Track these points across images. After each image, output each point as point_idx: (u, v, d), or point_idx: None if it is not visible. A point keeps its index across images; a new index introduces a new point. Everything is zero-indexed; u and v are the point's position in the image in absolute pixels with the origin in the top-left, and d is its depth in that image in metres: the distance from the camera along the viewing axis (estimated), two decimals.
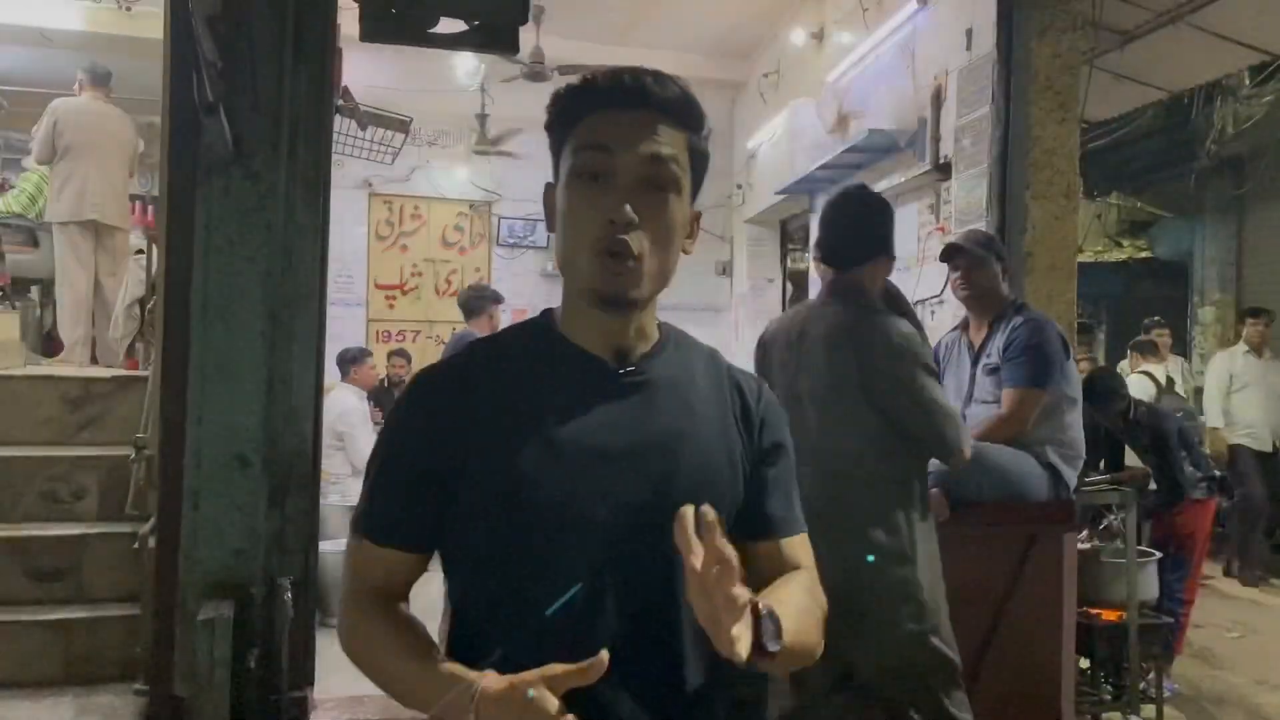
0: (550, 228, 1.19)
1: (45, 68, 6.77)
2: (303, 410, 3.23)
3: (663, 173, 1.13)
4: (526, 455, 1.11)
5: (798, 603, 1.15)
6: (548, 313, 1.24)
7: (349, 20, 3.20)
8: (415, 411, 1.19)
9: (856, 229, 2.84)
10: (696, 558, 0.94)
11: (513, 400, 1.15)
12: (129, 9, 6.34)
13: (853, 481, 2.56)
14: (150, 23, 5.87)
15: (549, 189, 1.20)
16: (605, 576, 1.11)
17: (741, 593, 0.97)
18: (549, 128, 1.20)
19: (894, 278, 4.33)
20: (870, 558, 2.50)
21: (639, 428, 1.15)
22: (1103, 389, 4.56)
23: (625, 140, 1.12)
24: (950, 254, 3.45)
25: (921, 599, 2.54)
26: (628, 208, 1.10)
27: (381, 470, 1.19)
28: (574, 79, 1.18)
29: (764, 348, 2.92)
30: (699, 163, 1.20)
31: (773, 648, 1.01)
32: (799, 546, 1.26)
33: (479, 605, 1.16)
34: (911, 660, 2.56)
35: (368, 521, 1.18)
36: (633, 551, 1.11)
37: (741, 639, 0.96)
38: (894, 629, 2.53)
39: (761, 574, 1.19)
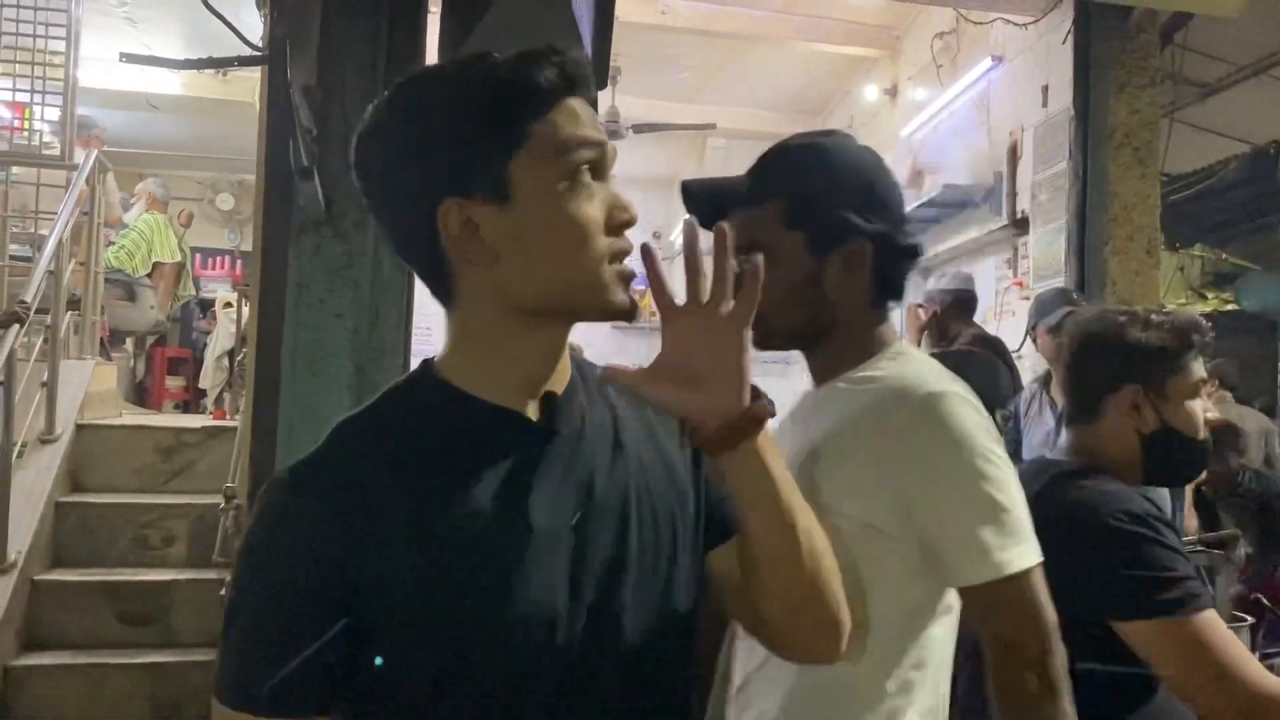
0: (472, 258, 0.90)
1: (149, 130, 7.12)
2: None
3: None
4: (443, 555, 0.86)
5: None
6: (427, 365, 0.97)
7: None
8: (292, 522, 0.87)
9: None
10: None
11: (415, 491, 0.88)
12: (224, 75, 6.65)
13: None
14: (243, 86, 6.17)
15: (462, 208, 0.89)
16: (564, 689, 0.89)
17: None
18: (471, 119, 0.89)
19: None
20: None
21: (582, 495, 0.92)
22: (1225, 443, 4.41)
23: (600, 131, 0.93)
24: (1063, 323, 3.41)
25: None
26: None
27: (253, 609, 0.86)
28: (519, 62, 0.90)
29: None
30: None
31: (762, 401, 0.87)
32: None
33: None
34: None
35: (242, 686, 0.85)
36: (594, 650, 0.90)
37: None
38: None
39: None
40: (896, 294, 1.34)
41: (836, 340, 1.31)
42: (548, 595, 0.88)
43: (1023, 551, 1.16)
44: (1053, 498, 1.53)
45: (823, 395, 1.35)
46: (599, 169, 0.92)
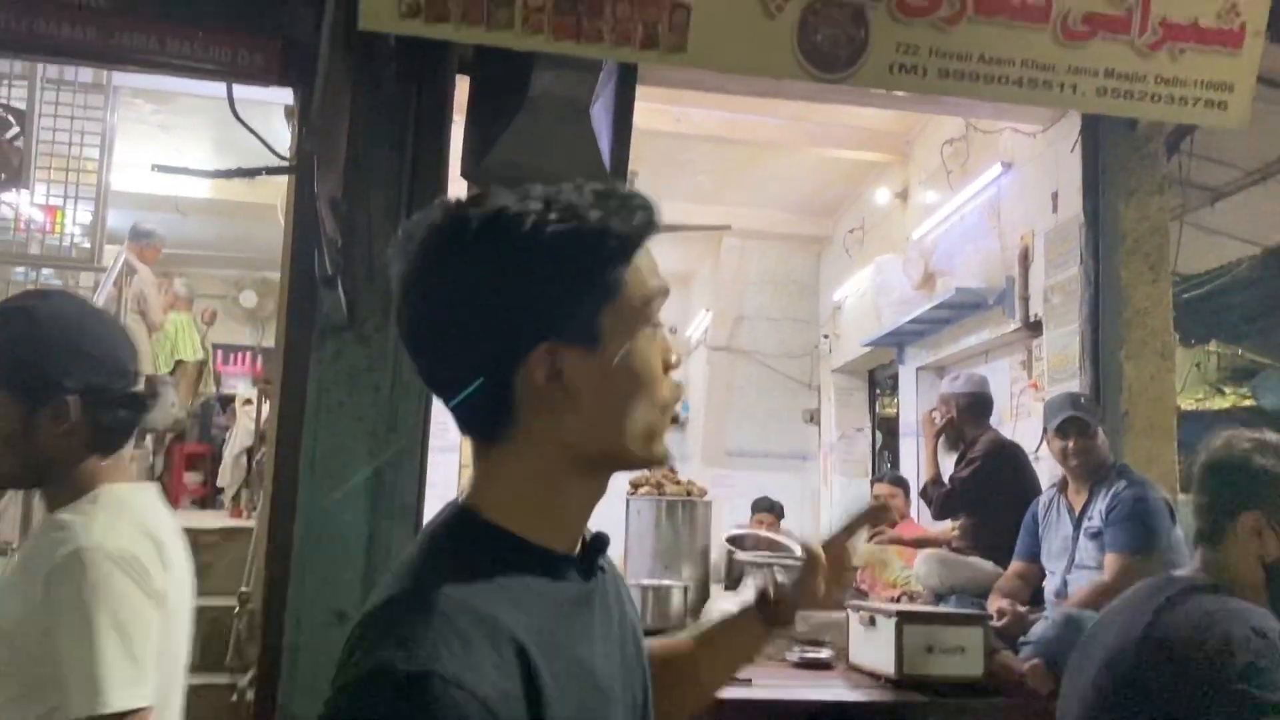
0: (560, 406, 0.88)
1: (176, 231, 7.29)
2: None
3: None
4: (579, 698, 0.84)
5: None
6: (466, 512, 0.92)
7: (456, 186, 3.43)
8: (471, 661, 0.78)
9: None
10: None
11: (537, 646, 0.83)
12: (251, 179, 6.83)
13: None
14: (269, 189, 6.32)
15: (559, 353, 0.88)
16: None
17: None
18: (592, 270, 0.89)
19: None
20: None
21: (617, 626, 0.96)
22: None
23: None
24: (1064, 426, 3.43)
25: None
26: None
27: None
28: (616, 212, 0.91)
29: None
30: None
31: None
32: None
33: None
34: None
35: None
36: None
37: None
38: None
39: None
40: (113, 441, 1.49)
41: (53, 483, 1.47)
42: None
43: (131, 695, 1.31)
44: (1177, 608, 1.59)
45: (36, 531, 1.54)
46: (657, 317, 0.94)
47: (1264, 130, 4.16)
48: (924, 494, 4.39)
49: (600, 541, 0.96)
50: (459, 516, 0.92)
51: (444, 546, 0.90)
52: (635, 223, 0.90)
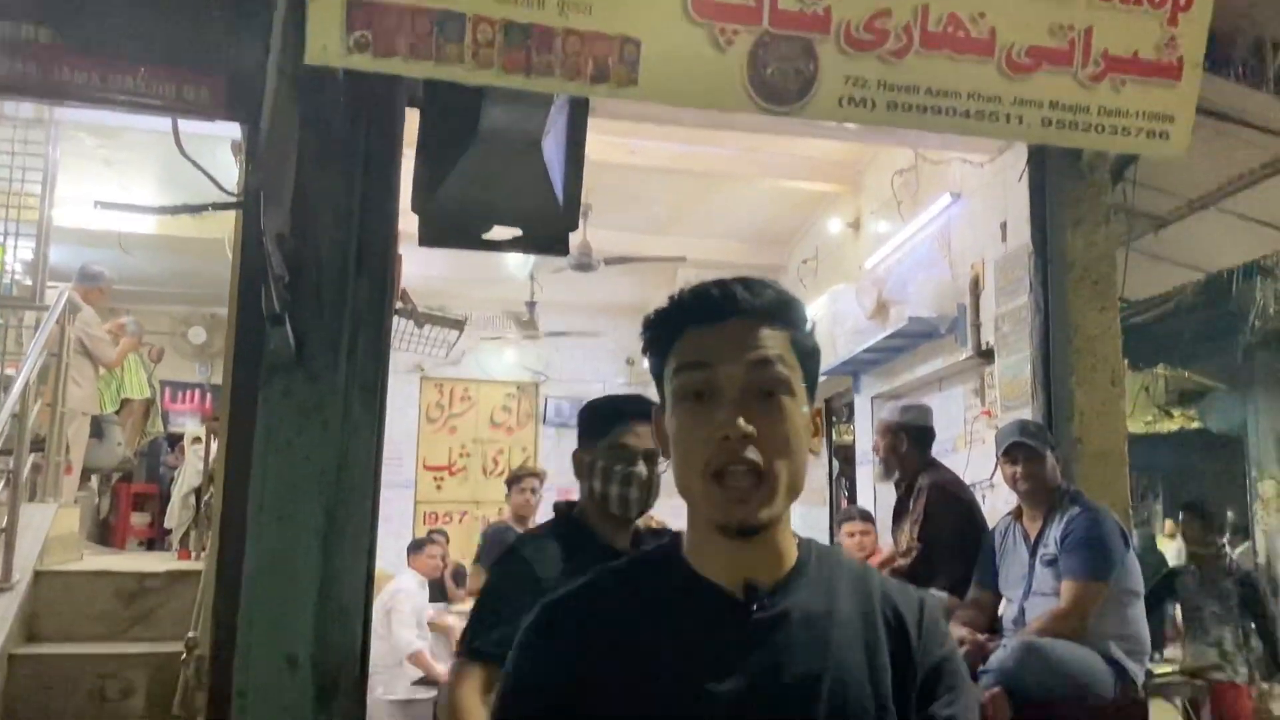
0: (665, 454, 1.12)
1: (121, 268, 7.14)
2: (353, 608, 3.23)
3: (769, 376, 1.06)
4: (644, 704, 1.02)
5: None
6: (675, 539, 1.15)
7: (407, 221, 3.39)
8: (539, 644, 1.10)
9: None
10: None
11: (635, 641, 1.06)
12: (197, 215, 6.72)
13: None
14: (216, 224, 6.21)
15: (658, 412, 1.15)
16: None
17: None
18: (647, 352, 1.15)
19: (942, 461, 4.35)
20: None
21: (768, 674, 1.02)
22: None
23: (724, 353, 1.06)
24: (1011, 451, 3.45)
25: None
26: (740, 420, 1.03)
27: (505, 701, 1.10)
28: (663, 304, 1.14)
29: None
30: (808, 359, 1.12)
31: None
32: None
33: None
34: None
35: None
36: None
37: None
38: None
39: None
40: None
41: None
42: None
43: None
44: None
45: None
46: (712, 388, 1.06)
47: (1204, 159, 4.25)
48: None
49: (752, 586, 1.07)
50: (670, 542, 1.17)
51: (641, 554, 1.24)
52: (672, 312, 1.11)
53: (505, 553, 2.28)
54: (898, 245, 5.94)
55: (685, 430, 1.06)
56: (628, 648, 1.05)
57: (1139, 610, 3.29)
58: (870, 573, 1.15)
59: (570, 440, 2.36)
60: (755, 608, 1.05)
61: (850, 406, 7.48)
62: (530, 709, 1.07)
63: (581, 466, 2.22)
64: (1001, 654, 3.14)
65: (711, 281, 1.11)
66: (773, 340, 1.08)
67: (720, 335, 1.07)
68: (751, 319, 1.08)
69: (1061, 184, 4.15)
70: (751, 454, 1.03)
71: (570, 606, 1.12)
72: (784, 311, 1.10)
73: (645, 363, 1.19)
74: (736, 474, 1.03)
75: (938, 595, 3.90)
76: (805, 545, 1.12)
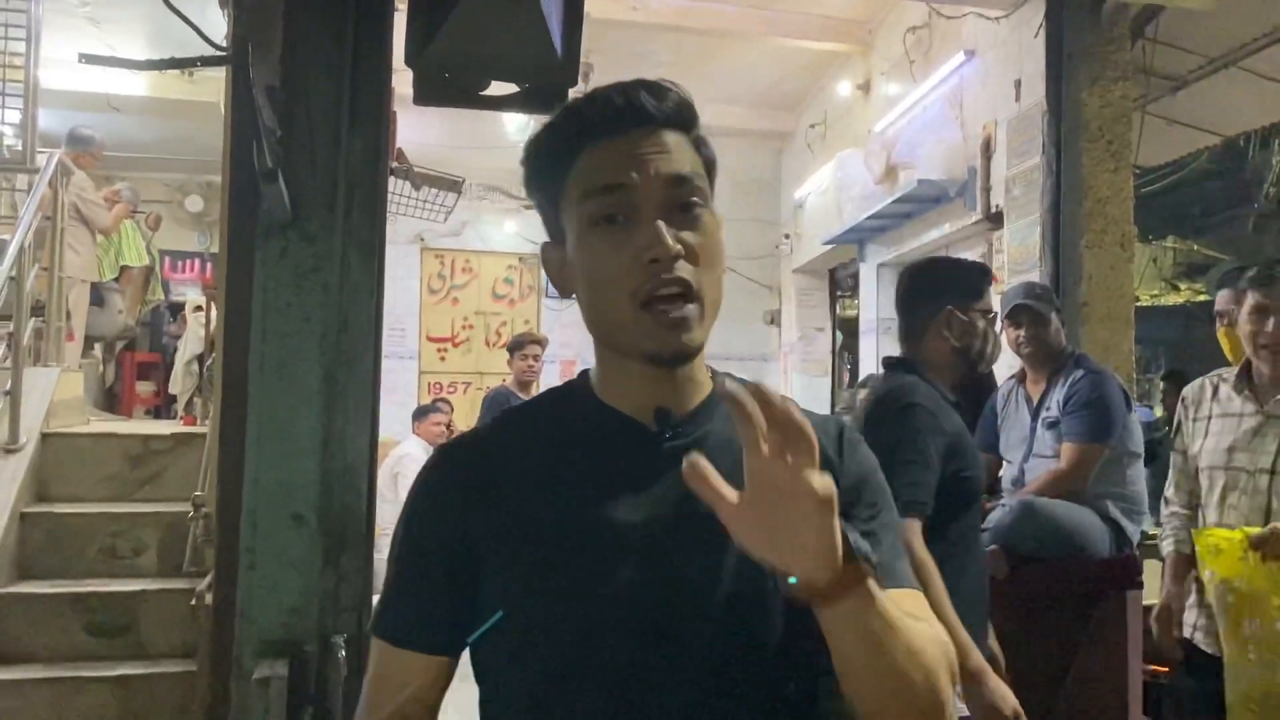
0: (563, 292, 1.04)
1: (115, 133, 7.00)
2: (357, 468, 3.25)
3: (689, 188, 0.97)
4: (554, 537, 0.97)
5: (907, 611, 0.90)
6: (584, 375, 1.09)
7: (402, 82, 3.28)
8: (432, 491, 1.05)
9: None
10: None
11: (540, 476, 1.00)
12: (190, 75, 6.55)
13: None
14: (210, 87, 6.08)
15: (548, 249, 1.05)
16: (649, 672, 0.93)
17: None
18: (532, 181, 1.03)
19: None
20: None
21: (681, 502, 0.89)
22: None
23: (637, 169, 0.95)
24: (1015, 313, 3.39)
25: None
26: (669, 237, 0.93)
27: (398, 560, 1.05)
28: (550, 120, 1.01)
29: None
30: (711, 165, 1.02)
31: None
32: (908, 603, 0.94)
33: (511, 712, 1.00)
34: None
35: (384, 621, 1.05)
36: (680, 639, 0.94)
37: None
38: None
39: None
40: None
41: None
42: (634, 582, 0.94)
43: None
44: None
45: None
46: (629, 209, 0.95)
47: (1228, 15, 4.09)
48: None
49: (663, 413, 1.01)
50: (577, 378, 1.10)
51: (546, 391, 1.14)
52: (567, 127, 0.98)
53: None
54: (908, 107, 5.78)
55: (602, 258, 0.96)
56: (532, 481, 1.00)
57: (1138, 470, 3.31)
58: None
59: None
60: (668, 435, 1.00)
61: (855, 278, 7.43)
62: (423, 562, 1.03)
63: None
64: (999, 513, 3.17)
65: (608, 88, 0.98)
66: (681, 147, 0.98)
67: (627, 149, 0.96)
68: (654, 125, 0.97)
69: (1080, 39, 4.01)
70: (683, 272, 0.94)
71: (467, 444, 1.10)
72: (686, 114, 1.00)
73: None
74: (668, 297, 0.94)
75: None
76: (717, 376, 1.06)
